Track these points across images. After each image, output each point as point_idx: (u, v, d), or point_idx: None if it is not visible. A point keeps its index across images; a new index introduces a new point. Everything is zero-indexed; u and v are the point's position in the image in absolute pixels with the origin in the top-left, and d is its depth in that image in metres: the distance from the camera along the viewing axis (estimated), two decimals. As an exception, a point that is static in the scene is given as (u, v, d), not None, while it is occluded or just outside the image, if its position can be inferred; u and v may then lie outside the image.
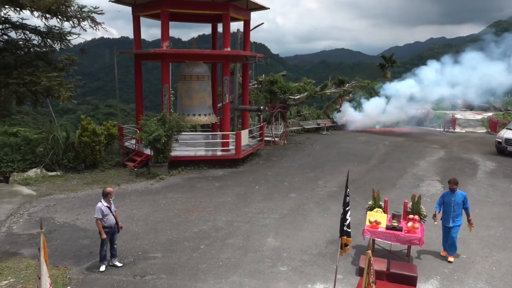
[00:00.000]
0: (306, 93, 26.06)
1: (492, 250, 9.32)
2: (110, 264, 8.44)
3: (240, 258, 8.89)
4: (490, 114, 28.69)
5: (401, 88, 25.81)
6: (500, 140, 19.32)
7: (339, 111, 27.59)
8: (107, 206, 8.23)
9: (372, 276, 5.75)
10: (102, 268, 8.28)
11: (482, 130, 26.77)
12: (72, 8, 14.93)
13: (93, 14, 15.39)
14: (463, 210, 8.88)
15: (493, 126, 25.65)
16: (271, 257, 8.95)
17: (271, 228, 10.49)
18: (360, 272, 8.08)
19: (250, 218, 11.17)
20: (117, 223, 8.44)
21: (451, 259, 8.80)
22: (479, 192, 13.60)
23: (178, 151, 16.64)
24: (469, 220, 8.92)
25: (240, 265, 8.56)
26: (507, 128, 19.96)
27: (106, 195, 8.29)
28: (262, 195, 13.19)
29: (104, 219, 8.17)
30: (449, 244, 8.90)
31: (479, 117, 28.85)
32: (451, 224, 8.82)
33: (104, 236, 8.14)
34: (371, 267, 5.81)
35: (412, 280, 7.77)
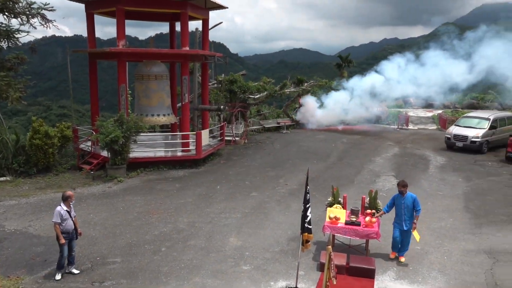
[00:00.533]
0: (265, 93, 26.25)
1: (444, 241, 9.81)
2: (66, 271, 8.11)
3: (203, 259, 8.83)
4: (440, 111, 30.11)
5: (365, 83, 26.27)
6: (449, 136, 20.35)
7: (300, 105, 27.84)
8: (66, 210, 7.91)
9: (332, 270, 5.90)
10: (58, 276, 7.94)
11: (433, 127, 28.07)
12: (20, 4, 14.25)
13: (44, 11, 14.76)
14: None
15: (443, 123, 26.97)
16: (234, 256, 8.96)
17: (233, 228, 10.50)
18: (321, 267, 8.24)
19: (212, 219, 11.12)
20: (76, 229, 8.11)
21: (402, 259, 8.80)
22: (431, 186, 14.26)
23: (136, 153, 16.27)
24: (413, 223, 8.66)
25: (203, 266, 8.51)
26: (455, 125, 21.04)
27: (66, 199, 7.97)
28: (224, 195, 13.16)
29: (63, 224, 7.83)
30: (402, 245, 8.85)
31: (430, 114, 30.23)
32: (405, 228, 8.71)
33: (63, 241, 7.80)
34: (332, 262, 5.96)
35: (371, 273, 8.02)
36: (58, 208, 7.88)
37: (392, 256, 9.00)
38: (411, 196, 8.70)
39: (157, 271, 8.32)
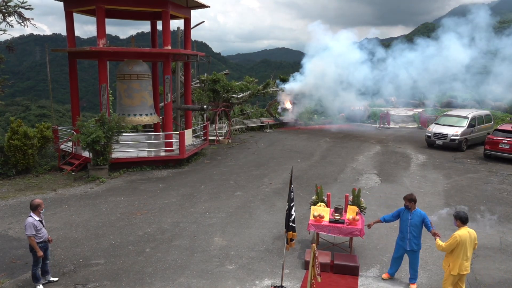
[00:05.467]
0: (249, 92, 26.26)
1: (425, 238, 9.95)
2: (44, 282, 7.79)
3: (187, 259, 8.79)
4: (420, 110, 30.63)
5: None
6: (429, 134, 20.74)
7: (292, 104, 27.86)
8: (39, 220, 7.51)
9: (317, 268, 5.95)
10: (40, 287, 7.64)
11: (414, 125, 28.57)
12: (-4, 2, 13.86)
13: (21, 9, 14.38)
14: (425, 231, 7.67)
15: (423, 121, 27.46)
16: (219, 256, 8.94)
17: (218, 227, 10.48)
18: (306, 265, 8.32)
19: (196, 218, 11.07)
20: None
21: (413, 287, 7.76)
22: (413, 183, 14.50)
23: (119, 153, 16.08)
24: (434, 234, 7.46)
25: (188, 266, 8.46)
26: (435, 123, 21.46)
27: (35, 208, 7.51)
28: (208, 195, 13.12)
29: (39, 235, 7.46)
30: (411, 270, 7.84)
31: (410, 113, 30.70)
32: (408, 248, 7.68)
33: (41, 253, 7.45)
34: (316, 260, 6.01)
35: (355, 270, 8.15)
36: (30, 219, 7.42)
37: (384, 276, 8.08)
38: (419, 214, 7.56)
39: (141, 272, 8.24)
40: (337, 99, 26.34)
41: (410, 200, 7.62)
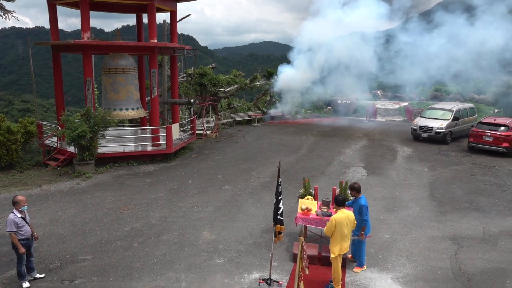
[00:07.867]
0: (236, 86, 26.17)
1: (411, 229, 10.14)
2: (30, 278, 7.69)
3: (176, 253, 8.78)
4: (406, 103, 30.92)
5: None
6: (415, 127, 20.98)
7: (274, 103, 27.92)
8: (21, 217, 7.39)
9: (305, 261, 6.00)
10: (26, 284, 7.51)
11: (400, 118, 28.85)
12: (-23, -6, 13.55)
13: (2, 1, 14.09)
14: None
15: (409, 114, 27.75)
16: (207, 250, 8.95)
17: (206, 221, 10.47)
18: (294, 258, 8.38)
19: (184, 213, 11.05)
20: (32, 233, 7.63)
21: (355, 270, 8.21)
22: (399, 176, 14.69)
23: (105, 148, 15.90)
24: (360, 234, 7.97)
25: (176, 261, 8.45)
26: (421, 116, 21.70)
27: (13, 204, 7.39)
28: (196, 189, 13.09)
29: (21, 231, 7.35)
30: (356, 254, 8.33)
31: (396, 106, 30.97)
32: (352, 236, 7.84)
33: (23, 250, 7.35)
34: (304, 253, 6.05)
35: (342, 262, 8.22)
36: (12, 216, 7.32)
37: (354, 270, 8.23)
38: (359, 202, 7.91)
39: (129, 267, 8.20)
40: (338, 85, 26.15)
41: (352, 189, 8.02)
